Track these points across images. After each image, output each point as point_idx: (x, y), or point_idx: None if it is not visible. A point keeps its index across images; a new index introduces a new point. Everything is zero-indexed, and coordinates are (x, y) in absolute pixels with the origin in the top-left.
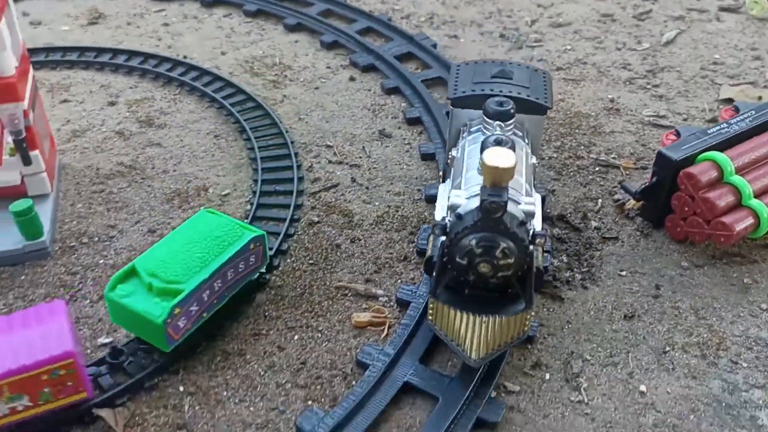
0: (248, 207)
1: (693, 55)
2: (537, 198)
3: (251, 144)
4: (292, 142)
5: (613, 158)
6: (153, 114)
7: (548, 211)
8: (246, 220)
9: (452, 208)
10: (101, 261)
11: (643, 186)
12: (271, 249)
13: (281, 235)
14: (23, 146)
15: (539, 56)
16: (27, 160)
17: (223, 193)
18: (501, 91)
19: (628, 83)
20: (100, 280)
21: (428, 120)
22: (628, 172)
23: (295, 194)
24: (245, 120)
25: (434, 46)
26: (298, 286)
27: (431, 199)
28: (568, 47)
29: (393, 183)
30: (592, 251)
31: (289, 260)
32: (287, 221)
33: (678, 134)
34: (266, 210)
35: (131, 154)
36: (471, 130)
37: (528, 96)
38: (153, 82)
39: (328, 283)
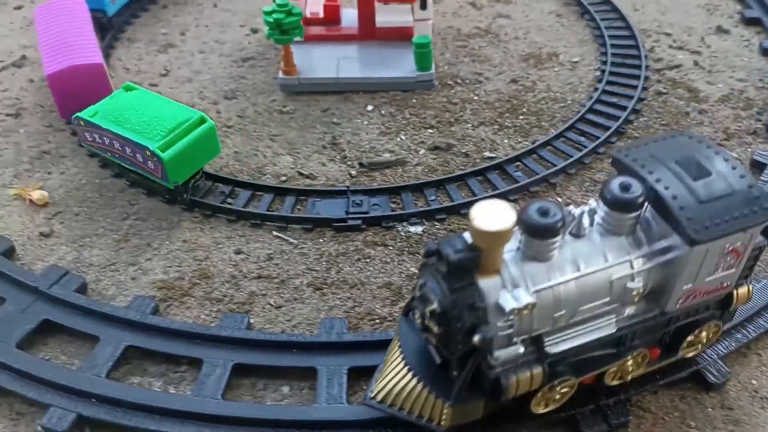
0: (597, 74)
1: None
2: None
3: (594, 24)
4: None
5: None
6: None
7: None
8: (600, 84)
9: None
10: (475, 97)
11: None
12: (626, 108)
13: (635, 99)
14: None
15: None
16: (424, 5)
17: (573, 60)
18: (657, 180)
19: None
20: (476, 111)
21: None
22: None
23: (643, 67)
24: (589, 4)
25: None
26: None
27: None
28: None
29: (734, 71)
30: None
31: (642, 119)
32: (639, 88)
33: None
34: (616, 77)
35: (484, 22)
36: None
37: (681, 207)
38: None
39: None
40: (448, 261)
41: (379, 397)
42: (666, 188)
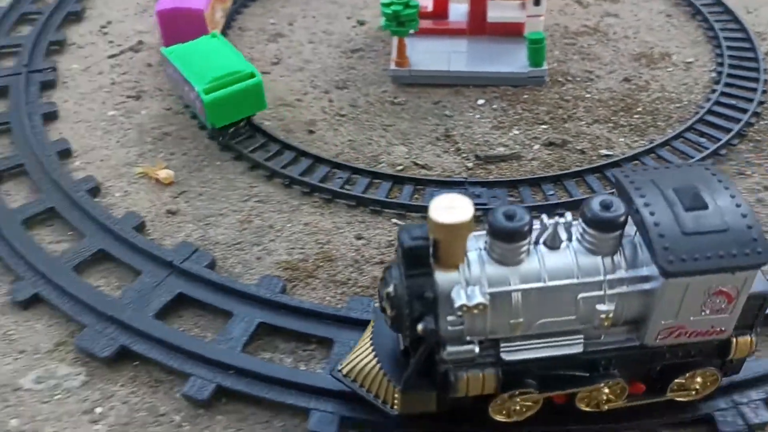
0: (713, 75)
1: None
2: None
3: (707, 25)
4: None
5: None
6: None
7: None
8: (717, 86)
9: None
10: (587, 95)
11: None
12: (746, 111)
13: (755, 101)
14: None
15: None
16: (538, 1)
17: (687, 60)
18: (646, 204)
19: None
20: (589, 109)
21: None
22: None
23: (761, 70)
24: (701, 5)
25: None
26: None
27: None
28: None
29: None
30: None
31: (762, 122)
32: (758, 91)
33: None
34: (734, 79)
35: (592, 20)
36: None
37: (660, 235)
38: None
39: None
40: (402, 247)
41: (345, 371)
42: (651, 213)
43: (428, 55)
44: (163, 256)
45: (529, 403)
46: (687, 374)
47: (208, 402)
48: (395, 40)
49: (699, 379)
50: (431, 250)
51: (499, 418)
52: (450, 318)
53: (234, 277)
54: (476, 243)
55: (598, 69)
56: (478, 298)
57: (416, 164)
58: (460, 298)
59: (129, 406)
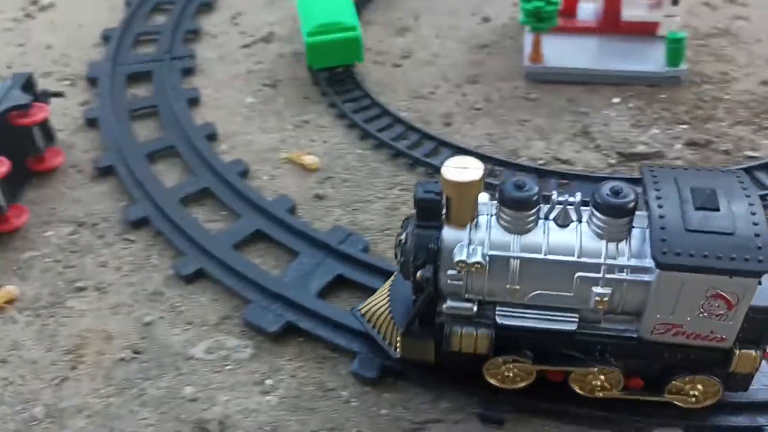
0: None
1: None
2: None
3: None
4: None
5: None
6: None
7: None
8: None
9: None
10: (726, 96)
11: None
12: None
13: None
14: None
15: None
16: (676, 2)
17: None
18: (657, 197)
19: None
20: (730, 110)
21: None
22: None
23: None
24: None
25: None
26: None
27: None
28: None
29: None
30: None
31: None
32: None
33: None
34: None
35: (722, 22)
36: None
37: (661, 227)
38: None
39: None
40: (415, 198)
41: (363, 311)
42: (659, 206)
43: (561, 52)
44: (320, 239)
45: (522, 374)
46: (686, 378)
47: (375, 380)
48: (528, 37)
49: (699, 387)
50: (444, 207)
51: (492, 381)
52: (450, 272)
53: (387, 262)
54: (490, 209)
55: (734, 71)
56: (477, 257)
57: (557, 159)
58: (460, 254)
59: (297, 380)
